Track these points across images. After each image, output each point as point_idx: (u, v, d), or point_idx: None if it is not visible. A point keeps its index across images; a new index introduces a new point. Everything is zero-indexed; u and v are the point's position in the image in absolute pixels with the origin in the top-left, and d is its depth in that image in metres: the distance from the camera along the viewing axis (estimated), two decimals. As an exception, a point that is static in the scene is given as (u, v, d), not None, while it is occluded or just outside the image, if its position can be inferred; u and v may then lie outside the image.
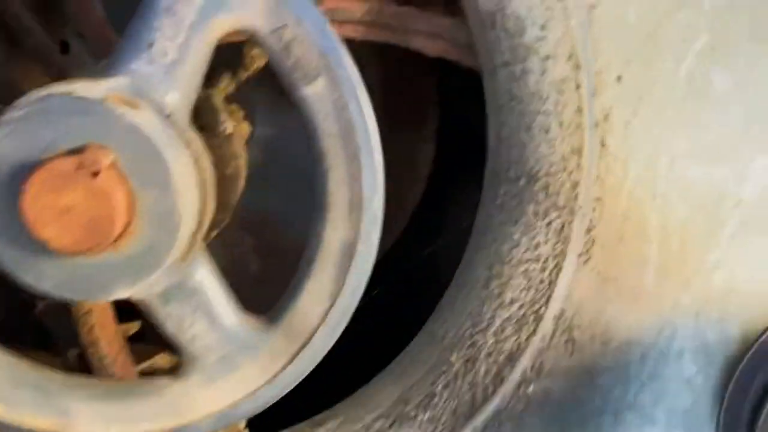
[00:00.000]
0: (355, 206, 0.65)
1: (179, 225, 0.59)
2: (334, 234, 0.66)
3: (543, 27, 0.81)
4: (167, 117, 0.61)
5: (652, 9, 0.80)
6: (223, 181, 0.73)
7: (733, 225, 0.87)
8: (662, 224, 0.86)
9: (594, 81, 0.82)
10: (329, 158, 0.64)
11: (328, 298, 0.66)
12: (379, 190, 0.65)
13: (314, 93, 0.62)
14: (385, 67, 1.20)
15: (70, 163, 0.56)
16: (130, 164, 0.58)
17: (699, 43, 0.82)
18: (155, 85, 0.61)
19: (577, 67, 0.82)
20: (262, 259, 1.21)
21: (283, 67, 0.62)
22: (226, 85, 0.72)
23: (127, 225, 0.58)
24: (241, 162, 0.73)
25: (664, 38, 0.81)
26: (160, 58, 0.61)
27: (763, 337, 0.82)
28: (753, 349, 0.82)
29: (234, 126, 0.73)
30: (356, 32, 0.91)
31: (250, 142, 1.21)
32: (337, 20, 0.89)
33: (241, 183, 0.76)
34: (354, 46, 1.09)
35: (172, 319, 0.65)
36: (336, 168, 0.64)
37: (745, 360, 0.82)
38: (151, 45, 0.60)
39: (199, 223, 0.63)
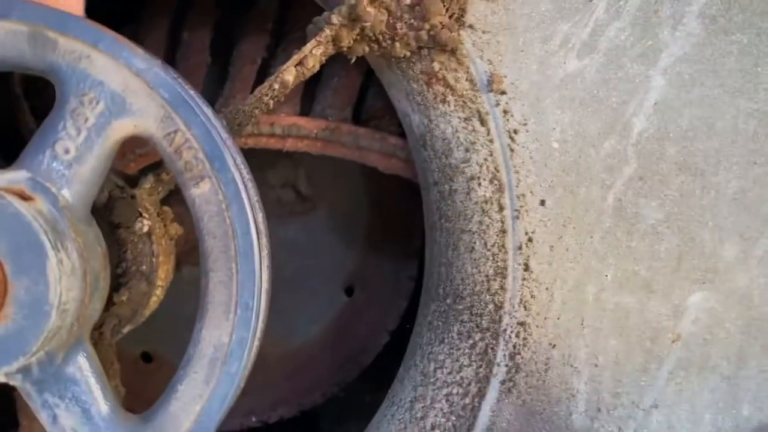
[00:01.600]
0: (231, 311, 0.63)
1: (50, 314, 0.57)
2: (209, 335, 0.62)
3: (467, 149, 0.79)
4: (60, 209, 0.60)
5: (577, 136, 0.77)
6: (135, 276, 0.73)
7: (671, 362, 0.79)
8: (592, 356, 0.79)
9: (517, 204, 0.79)
10: (211, 259, 0.63)
11: (199, 401, 0.63)
12: (257, 295, 0.63)
13: (201, 194, 0.62)
14: (378, 186, 1.21)
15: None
16: (9, 251, 0.57)
17: (627, 172, 0.77)
18: (54, 179, 0.61)
19: (500, 189, 0.78)
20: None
21: (174, 168, 0.62)
22: (150, 186, 0.73)
23: (-2, 309, 0.59)
24: (155, 261, 0.74)
25: (589, 166, 0.77)
26: (62, 154, 0.61)
27: None
28: None
29: (155, 229, 0.74)
30: (313, 148, 0.91)
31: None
32: (293, 136, 0.91)
33: (157, 282, 0.76)
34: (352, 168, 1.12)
35: (47, 409, 0.63)
36: (217, 270, 0.63)
37: None
38: (55, 142, 0.61)
39: (81, 315, 0.62)
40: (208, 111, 0.63)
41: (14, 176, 0.60)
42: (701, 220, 0.75)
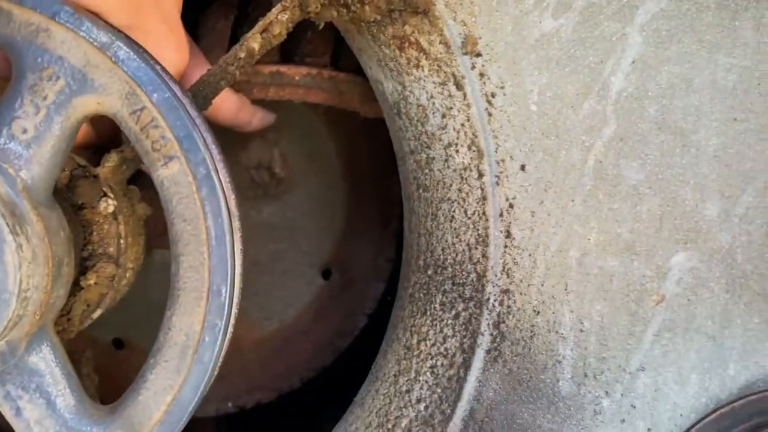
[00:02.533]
0: (203, 297, 0.58)
1: (9, 302, 0.53)
2: (180, 322, 0.57)
3: (444, 115, 0.75)
4: (19, 191, 0.55)
5: (555, 97, 0.74)
6: (102, 259, 0.69)
7: (656, 324, 0.77)
8: (578, 321, 0.76)
9: (497, 170, 0.75)
10: (181, 243, 0.58)
11: (169, 391, 0.58)
12: (229, 280, 0.59)
13: (169, 175, 0.56)
14: (354, 167, 1.17)
15: None
16: None
17: (607, 133, 0.75)
18: (11, 161, 0.56)
19: (479, 155, 0.75)
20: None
21: (141, 148, 0.57)
22: (114, 165, 0.68)
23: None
24: (123, 243, 0.69)
25: (569, 128, 0.74)
26: (19, 134, 0.56)
27: (697, 426, 0.69)
28: None
29: (122, 209, 0.69)
30: (295, 95, 0.87)
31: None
32: (276, 83, 0.87)
33: (127, 265, 0.71)
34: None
35: (9, 401, 0.58)
36: (188, 254, 0.57)
37: None
38: (12, 120, 0.56)
39: (44, 303, 0.57)
40: (176, 87, 0.58)
41: (-33, 156, 0.56)
42: (682, 179, 0.73)
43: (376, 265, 1.18)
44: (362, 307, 1.19)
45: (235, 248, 0.60)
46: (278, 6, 0.66)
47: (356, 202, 1.18)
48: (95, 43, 0.55)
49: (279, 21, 0.66)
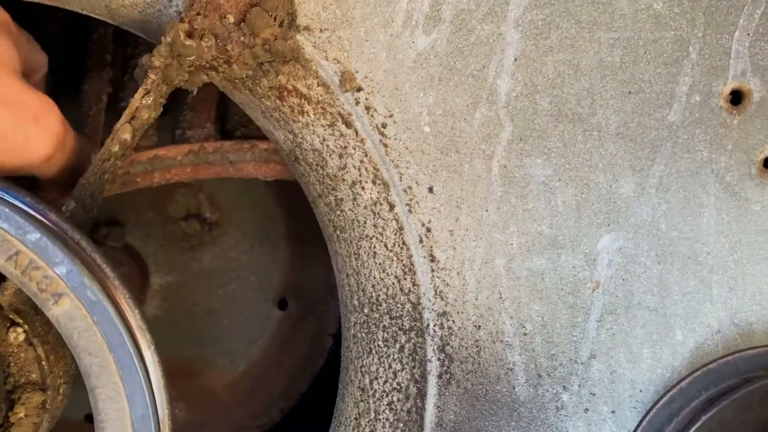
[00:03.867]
0: (127, 425, 0.55)
1: None
2: None
3: (341, 155, 0.72)
4: None
5: (446, 114, 0.70)
6: (29, 388, 0.66)
7: (597, 310, 0.75)
8: (519, 326, 0.75)
9: (406, 198, 0.73)
10: (93, 376, 0.54)
11: None
12: (150, 403, 0.56)
13: (63, 312, 0.52)
14: (287, 192, 1.14)
15: None
16: None
17: (505, 137, 0.72)
18: None
19: (385, 187, 0.73)
20: (187, 405, 1.13)
21: (29, 290, 0.53)
22: (14, 290, 0.65)
23: None
24: (45, 365, 0.66)
25: (466, 141, 0.70)
26: None
27: (643, 423, 0.68)
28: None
29: (33, 327, 0.66)
30: (183, 175, 0.83)
31: (150, 292, 1.16)
32: (159, 168, 0.83)
33: (59, 378, 0.68)
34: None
35: None
36: (102, 386, 0.53)
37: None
38: None
39: None
40: (51, 214, 0.55)
41: None
42: (590, 164, 0.71)
43: (330, 285, 1.16)
44: (325, 329, 1.17)
45: (150, 366, 0.57)
46: (140, 90, 0.62)
47: (297, 227, 1.16)
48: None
49: (145, 105, 0.63)
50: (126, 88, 0.86)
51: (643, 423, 0.64)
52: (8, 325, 0.62)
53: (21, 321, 0.63)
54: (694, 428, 0.57)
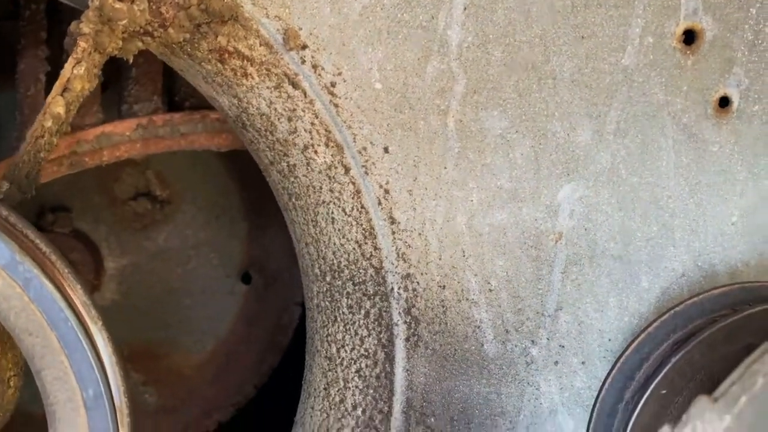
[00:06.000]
0: (81, 404, 0.53)
1: None
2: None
3: (290, 119, 0.69)
4: None
5: (397, 69, 0.66)
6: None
7: (561, 262, 0.74)
8: (484, 283, 0.73)
9: (361, 159, 0.70)
10: (37, 358, 0.51)
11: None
12: (102, 380, 0.53)
13: None
14: (239, 163, 1.10)
15: None
16: None
17: (459, 90, 0.69)
18: None
19: (339, 150, 0.69)
20: (157, 389, 1.10)
21: None
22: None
23: None
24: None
25: (419, 96, 0.67)
26: None
27: (614, 371, 0.67)
28: (605, 387, 0.66)
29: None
30: (134, 151, 0.79)
31: (105, 277, 1.11)
32: (107, 146, 0.79)
33: (8, 371, 0.64)
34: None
35: None
36: (48, 367, 0.49)
37: (599, 399, 0.66)
38: None
39: None
40: None
41: None
42: (547, 113, 0.68)
43: (293, 254, 1.13)
44: (292, 298, 1.14)
45: (100, 342, 0.54)
46: (70, 60, 0.58)
47: (253, 198, 1.12)
48: None
49: (77, 75, 0.58)
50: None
51: (614, 371, 0.63)
52: None
53: None
54: (664, 371, 0.56)
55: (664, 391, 0.55)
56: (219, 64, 0.63)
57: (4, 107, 0.90)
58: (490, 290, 0.69)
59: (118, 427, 0.53)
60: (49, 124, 0.57)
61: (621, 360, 0.63)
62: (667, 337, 0.59)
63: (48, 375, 0.51)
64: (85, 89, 0.59)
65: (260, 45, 0.63)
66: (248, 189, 1.12)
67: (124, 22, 0.57)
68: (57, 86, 0.57)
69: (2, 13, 0.88)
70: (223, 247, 1.12)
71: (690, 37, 0.68)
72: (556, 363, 0.71)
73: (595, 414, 0.63)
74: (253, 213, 1.13)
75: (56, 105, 0.57)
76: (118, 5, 0.56)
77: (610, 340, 0.71)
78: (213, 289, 1.14)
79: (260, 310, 1.15)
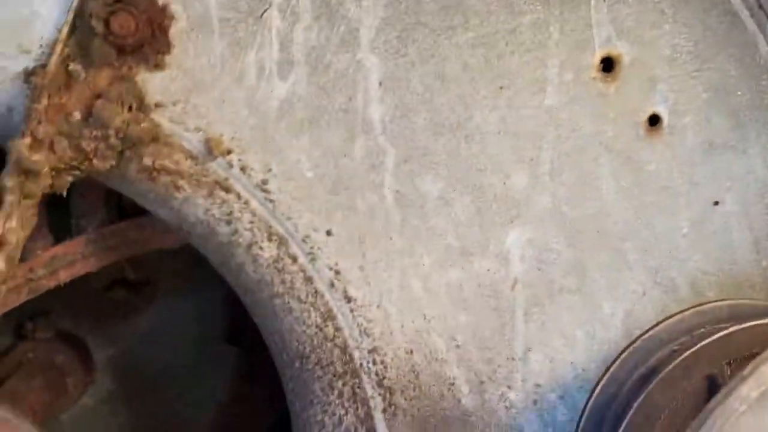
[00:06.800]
0: None
1: None
2: None
3: (229, 222, 0.69)
4: None
5: (325, 154, 0.65)
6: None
7: (521, 306, 0.74)
8: (450, 341, 0.73)
9: (307, 247, 0.70)
10: None
11: None
12: None
13: None
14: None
15: None
16: None
17: (390, 162, 0.70)
18: None
19: (282, 242, 0.69)
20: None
21: None
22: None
23: None
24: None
25: (352, 175, 0.67)
26: None
27: (593, 397, 0.68)
28: (585, 415, 0.67)
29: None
30: (89, 267, 0.80)
31: (99, 371, 1.12)
32: (62, 266, 0.80)
33: None
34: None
35: None
36: None
37: (582, 424, 0.67)
38: None
39: None
40: None
41: None
42: (479, 167, 0.68)
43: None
44: None
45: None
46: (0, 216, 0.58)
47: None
48: None
49: (10, 229, 0.59)
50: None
51: (589, 404, 0.64)
52: None
53: None
54: (629, 414, 0.57)
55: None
56: (150, 182, 0.64)
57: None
58: (458, 346, 0.70)
59: None
60: (-12, 282, 0.58)
61: (594, 394, 0.64)
62: (630, 374, 0.60)
63: None
64: (22, 238, 0.60)
65: (186, 158, 0.63)
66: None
67: (44, 169, 0.57)
68: (-11, 244, 0.58)
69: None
70: (205, 315, 1.13)
71: (608, 64, 0.69)
72: (535, 402, 0.72)
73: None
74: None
75: (-10, 262, 0.58)
76: (35, 157, 0.56)
77: (583, 370, 0.72)
78: (204, 357, 1.15)
79: (254, 366, 1.16)
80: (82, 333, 1.08)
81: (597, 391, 0.64)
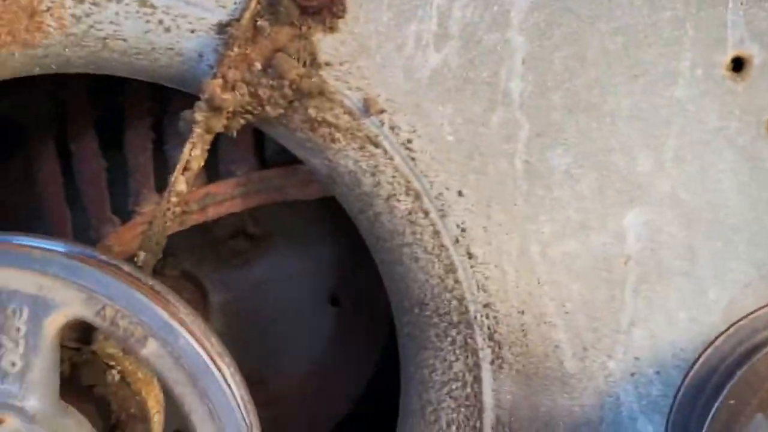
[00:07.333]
0: None
1: None
2: None
3: (373, 174, 0.77)
4: (31, 419, 0.60)
5: (466, 122, 0.71)
6: (131, 421, 0.73)
7: (632, 282, 0.79)
8: (560, 306, 0.79)
9: (438, 203, 0.77)
10: (186, 403, 0.60)
11: None
12: (239, 418, 0.63)
13: (150, 353, 0.60)
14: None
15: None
16: None
17: (523, 134, 0.76)
18: (13, 394, 0.60)
19: (417, 197, 0.77)
20: (260, 412, 1.20)
21: (117, 337, 0.61)
22: (101, 341, 0.72)
23: None
24: (142, 398, 0.73)
25: (488, 143, 0.72)
26: (10, 369, 0.60)
27: (686, 382, 0.72)
28: (678, 398, 0.71)
29: (127, 369, 0.73)
30: (235, 207, 0.89)
31: (212, 313, 1.22)
32: (212, 203, 0.89)
33: (152, 413, 0.75)
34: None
35: None
36: (195, 410, 0.61)
37: (673, 411, 0.71)
38: None
39: None
40: (127, 267, 0.62)
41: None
42: (607, 147, 0.74)
43: (379, 275, 1.21)
44: (380, 317, 1.22)
45: (234, 386, 0.63)
46: (188, 145, 0.68)
47: (341, 225, 1.20)
48: (39, 269, 0.58)
49: (194, 156, 0.68)
50: (167, 133, 0.91)
51: (685, 382, 0.69)
52: (104, 368, 0.69)
53: (114, 363, 0.70)
54: (731, 382, 0.61)
55: (732, 402, 0.61)
56: (310, 133, 0.72)
57: (112, 165, 1.01)
58: (567, 312, 0.76)
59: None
60: (174, 199, 0.67)
61: (691, 372, 0.69)
62: (733, 350, 0.64)
63: (196, 417, 0.61)
64: (200, 165, 0.69)
65: (344, 113, 0.71)
66: (336, 218, 1.20)
67: (230, 109, 0.66)
68: (179, 168, 0.67)
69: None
70: (313, 274, 1.21)
71: (738, 64, 0.73)
72: (633, 374, 0.77)
73: (670, 423, 0.68)
74: (340, 240, 1.21)
75: (180, 183, 0.67)
76: (225, 96, 0.65)
77: (681, 349, 0.76)
78: (306, 314, 1.23)
79: (351, 330, 1.24)
80: (202, 276, 1.18)
81: (696, 367, 0.68)
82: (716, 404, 0.61)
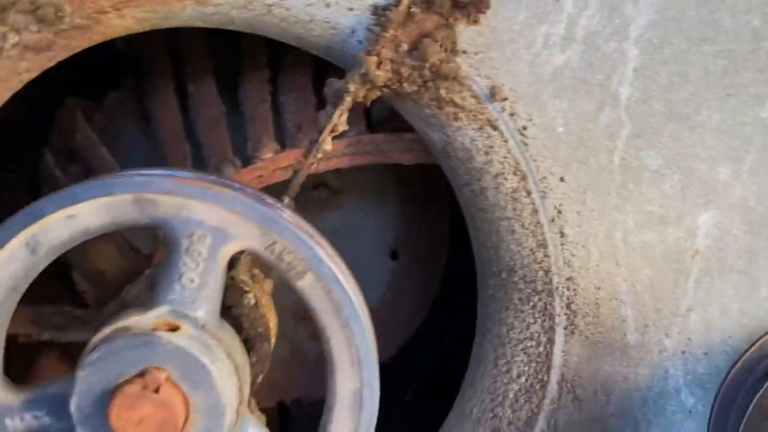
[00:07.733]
0: (356, 363, 0.71)
1: (225, 412, 0.67)
2: (343, 386, 0.72)
3: (487, 153, 0.86)
4: (202, 328, 0.69)
5: (577, 117, 0.81)
6: (257, 339, 0.84)
7: (695, 273, 0.89)
8: (631, 287, 0.90)
9: (541, 186, 0.87)
10: (328, 330, 0.71)
11: (349, 436, 0.75)
12: (372, 347, 0.73)
13: (306, 285, 0.70)
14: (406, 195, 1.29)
15: (137, 385, 0.66)
16: (181, 376, 0.67)
17: (624, 134, 0.85)
18: (188, 306, 0.69)
19: (523, 178, 0.87)
20: (318, 345, 1.32)
21: (279, 270, 0.70)
22: (243, 266, 0.83)
23: (186, 421, 0.67)
24: (266, 320, 0.84)
25: (593, 138, 0.82)
26: (189, 285, 0.69)
27: (737, 364, 0.84)
28: (729, 377, 0.84)
29: (257, 294, 0.84)
30: (342, 163, 0.99)
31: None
32: (324, 159, 0.98)
33: (272, 335, 0.86)
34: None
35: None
36: (335, 336, 0.71)
37: (723, 386, 0.83)
38: (180, 277, 0.69)
39: (241, 396, 0.70)
40: (286, 211, 0.72)
41: (158, 312, 0.69)
42: (694, 154, 0.84)
43: (436, 235, 1.31)
44: (434, 273, 1.33)
45: (365, 319, 0.74)
46: (338, 111, 0.77)
47: (406, 189, 1.30)
48: (225, 206, 0.69)
49: (342, 122, 0.78)
50: (282, 84, 1.00)
51: (737, 363, 0.80)
52: (242, 292, 0.80)
53: (248, 289, 0.81)
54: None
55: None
56: (437, 110, 0.82)
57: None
58: (636, 293, 0.87)
59: (377, 377, 0.74)
60: (320, 156, 0.77)
61: (744, 356, 0.80)
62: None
63: (335, 342, 0.72)
64: (343, 128, 0.79)
65: (470, 97, 0.81)
66: (403, 183, 1.30)
67: (380, 83, 0.76)
68: (327, 129, 0.77)
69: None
70: (377, 228, 1.31)
71: (820, 94, 0.82)
72: (683, 352, 0.88)
73: (719, 397, 0.80)
74: (404, 200, 1.31)
75: (326, 143, 0.77)
76: (378, 72, 0.75)
77: (730, 337, 0.88)
78: (368, 264, 1.33)
79: (406, 283, 1.35)
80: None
81: (747, 354, 0.80)
82: (766, 384, 0.73)
